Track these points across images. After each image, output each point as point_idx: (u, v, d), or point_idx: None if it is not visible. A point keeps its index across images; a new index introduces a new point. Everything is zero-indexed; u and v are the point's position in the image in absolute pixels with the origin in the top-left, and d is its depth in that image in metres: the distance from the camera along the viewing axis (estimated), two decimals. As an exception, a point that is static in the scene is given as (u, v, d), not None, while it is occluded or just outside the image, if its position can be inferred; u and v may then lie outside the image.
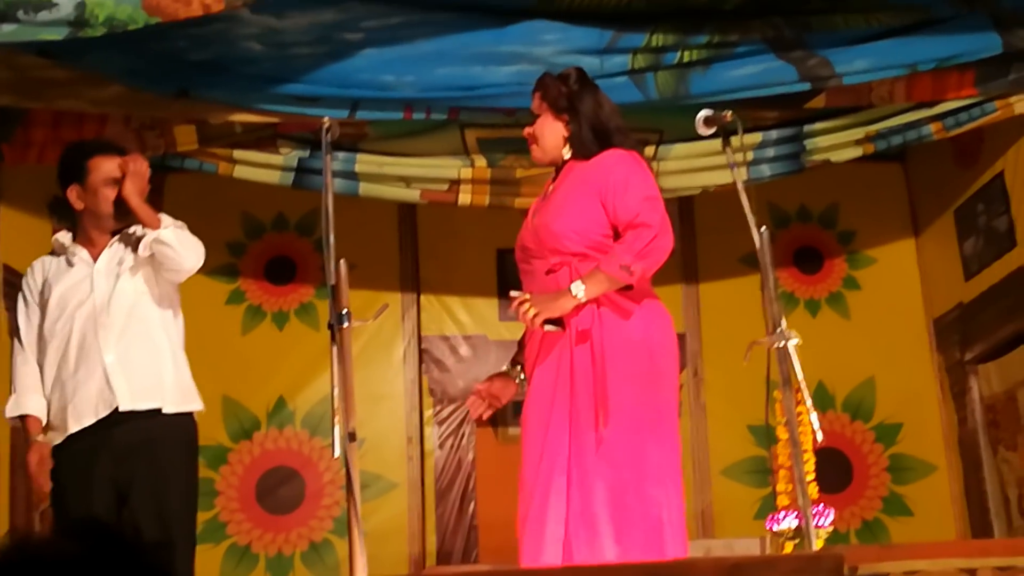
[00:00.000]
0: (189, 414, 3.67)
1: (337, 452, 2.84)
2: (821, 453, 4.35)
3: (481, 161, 5.01)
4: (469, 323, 5.99)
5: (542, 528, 3.21)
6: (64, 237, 3.72)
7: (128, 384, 3.53)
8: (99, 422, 3.51)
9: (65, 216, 3.73)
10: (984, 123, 4.92)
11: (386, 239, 5.96)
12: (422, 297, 5.97)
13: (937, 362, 5.97)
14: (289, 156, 4.85)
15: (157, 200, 4.84)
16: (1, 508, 4.45)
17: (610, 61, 4.38)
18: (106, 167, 3.65)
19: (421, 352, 5.91)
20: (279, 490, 5.66)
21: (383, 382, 5.83)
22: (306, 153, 4.84)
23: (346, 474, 2.91)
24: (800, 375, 3.01)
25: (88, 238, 3.70)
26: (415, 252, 6.01)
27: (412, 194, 5.11)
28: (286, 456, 5.70)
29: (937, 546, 2.86)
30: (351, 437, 2.98)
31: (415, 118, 4.58)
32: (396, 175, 5.02)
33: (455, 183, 5.05)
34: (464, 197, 5.08)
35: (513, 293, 3.29)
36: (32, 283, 3.71)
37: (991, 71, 4.62)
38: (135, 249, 3.65)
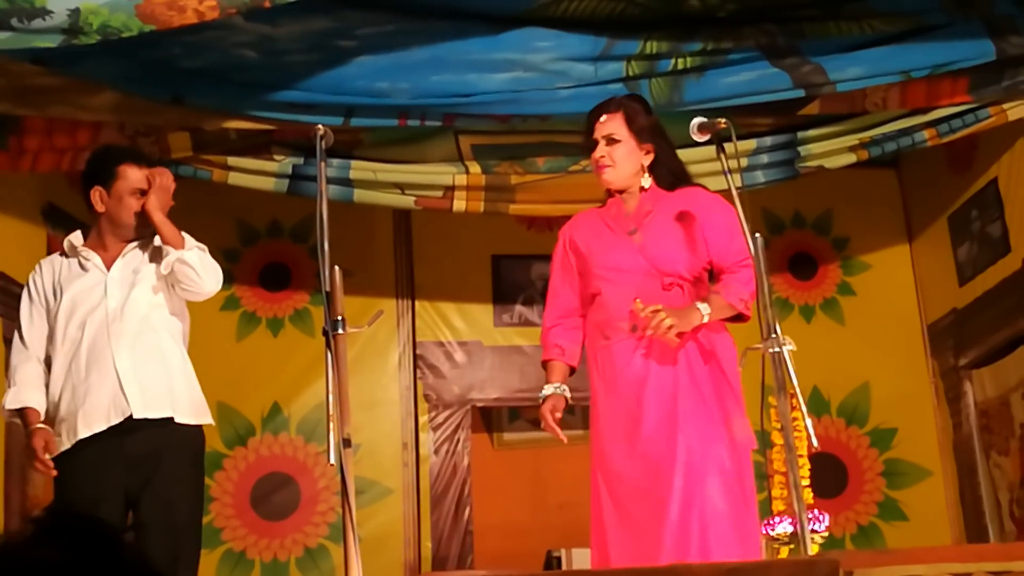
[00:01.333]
0: (199, 427, 3.65)
1: (332, 458, 2.84)
2: (816, 458, 4.35)
3: (476, 168, 5.00)
4: (464, 329, 5.99)
5: (660, 530, 3.32)
6: (76, 239, 3.68)
7: (141, 392, 3.50)
8: (110, 429, 3.48)
9: (61, 223, 3.69)
10: (978, 129, 4.94)
11: (381, 245, 5.96)
12: (417, 303, 5.96)
13: (931, 367, 5.98)
14: (283, 163, 4.83)
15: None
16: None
17: (604, 68, 4.39)
18: (134, 176, 3.64)
19: (416, 358, 5.91)
20: (274, 496, 5.65)
21: (378, 388, 5.82)
22: (300, 160, 4.83)
23: (341, 480, 2.90)
24: (795, 380, 3.02)
25: (102, 243, 3.67)
26: (410, 258, 6.01)
27: (407, 200, 5.09)
28: (281, 462, 5.68)
29: (932, 551, 2.86)
30: (346, 443, 2.98)
31: (410, 125, 4.58)
32: (390, 182, 5.00)
33: (449, 189, 5.03)
34: (459, 203, 5.07)
35: (639, 303, 3.40)
36: (40, 282, 3.66)
37: (984, 78, 4.63)
38: (151, 260, 3.63)
